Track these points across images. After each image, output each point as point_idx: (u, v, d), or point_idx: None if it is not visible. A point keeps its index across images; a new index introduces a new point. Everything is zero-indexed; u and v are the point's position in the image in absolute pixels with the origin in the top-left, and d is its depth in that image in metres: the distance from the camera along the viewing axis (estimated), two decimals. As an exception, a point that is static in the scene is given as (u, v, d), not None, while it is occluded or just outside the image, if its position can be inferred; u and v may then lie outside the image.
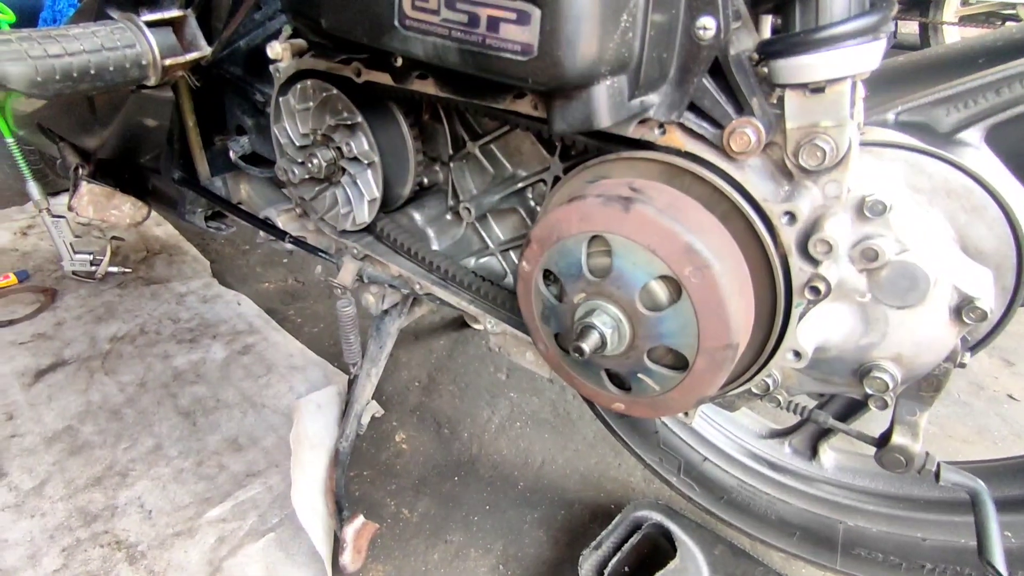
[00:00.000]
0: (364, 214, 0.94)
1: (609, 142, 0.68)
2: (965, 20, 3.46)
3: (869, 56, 0.52)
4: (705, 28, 0.55)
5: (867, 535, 0.91)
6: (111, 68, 0.91)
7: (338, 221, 0.98)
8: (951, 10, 3.39)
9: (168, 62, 0.97)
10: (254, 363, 1.54)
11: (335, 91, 0.86)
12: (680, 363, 0.63)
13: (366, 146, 0.88)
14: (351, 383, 1.21)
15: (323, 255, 1.07)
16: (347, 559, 1.05)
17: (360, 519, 1.08)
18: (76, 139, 1.38)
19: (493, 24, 0.56)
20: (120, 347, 1.57)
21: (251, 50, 1.11)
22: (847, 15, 0.54)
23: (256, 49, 1.10)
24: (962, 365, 0.63)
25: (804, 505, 0.97)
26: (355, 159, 0.90)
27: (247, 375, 1.50)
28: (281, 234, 1.11)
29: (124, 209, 1.38)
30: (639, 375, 0.65)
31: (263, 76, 1.11)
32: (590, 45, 0.53)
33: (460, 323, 1.72)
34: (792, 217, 0.58)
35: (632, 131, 0.63)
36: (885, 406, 0.66)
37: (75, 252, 1.74)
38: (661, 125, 0.62)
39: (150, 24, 0.95)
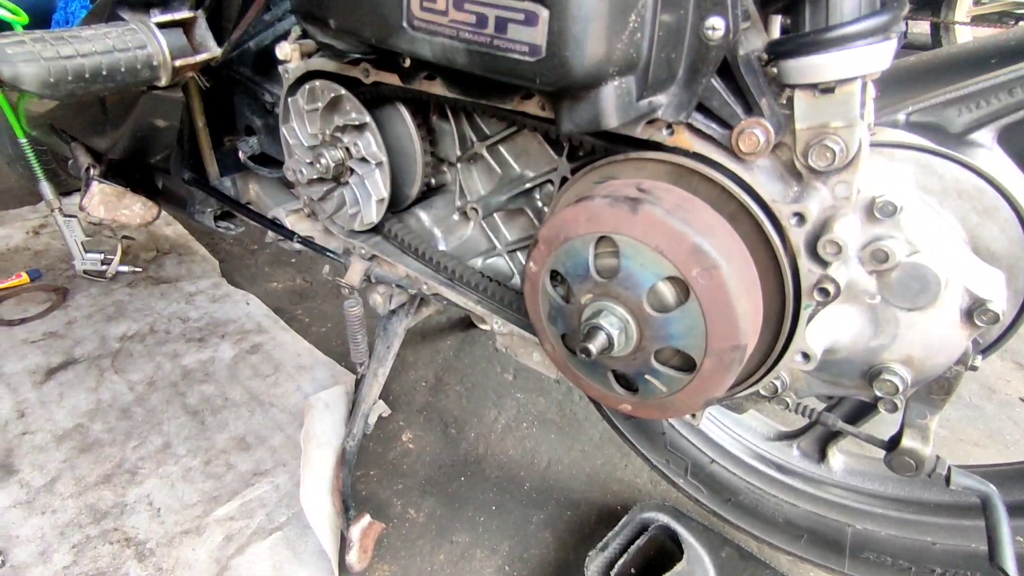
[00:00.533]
0: (372, 214, 0.94)
1: (617, 143, 0.68)
2: (977, 20, 3.43)
3: (880, 56, 0.51)
4: (714, 28, 0.54)
5: (876, 539, 0.90)
6: (122, 69, 0.92)
7: (346, 221, 0.98)
8: (963, 10, 3.36)
9: (179, 63, 0.97)
10: (262, 362, 1.55)
11: (344, 92, 0.86)
12: (687, 364, 0.62)
13: (374, 146, 0.89)
14: (358, 383, 1.22)
15: (331, 255, 1.08)
16: (353, 558, 1.06)
17: (367, 518, 1.09)
18: (88, 139, 1.39)
19: (501, 25, 0.56)
20: (130, 346, 1.58)
21: (260, 51, 1.12)
22: (858, 15, 0.53)
23: (265, 50, 1.11)
24: (973, 368, 0.63)
25: (812, 508, 0.96)
26: (363, 159, 0.90)
27: (255, 374, 1.51)
28: (289, 234, 1.11)
29: (134, 209, 1.39)
30: (646, 376, 0.65)
31: (272, 77, 1.11)
32: (598, 45, 0.53)
33: (467, 323, 1.72)
34: (801, 218, 0.58)
35: (640, 132, 0.63)
36: (895, 409, 0.65)
37: (86, 251, 1.76)
38: (669, 126, 0.62)
39: (161, 25, 0.96)
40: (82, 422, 1.35)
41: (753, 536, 1.00)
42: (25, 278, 1.79)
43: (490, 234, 0.94)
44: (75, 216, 1.69)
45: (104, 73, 0.90)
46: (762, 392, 0.71)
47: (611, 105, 0.57)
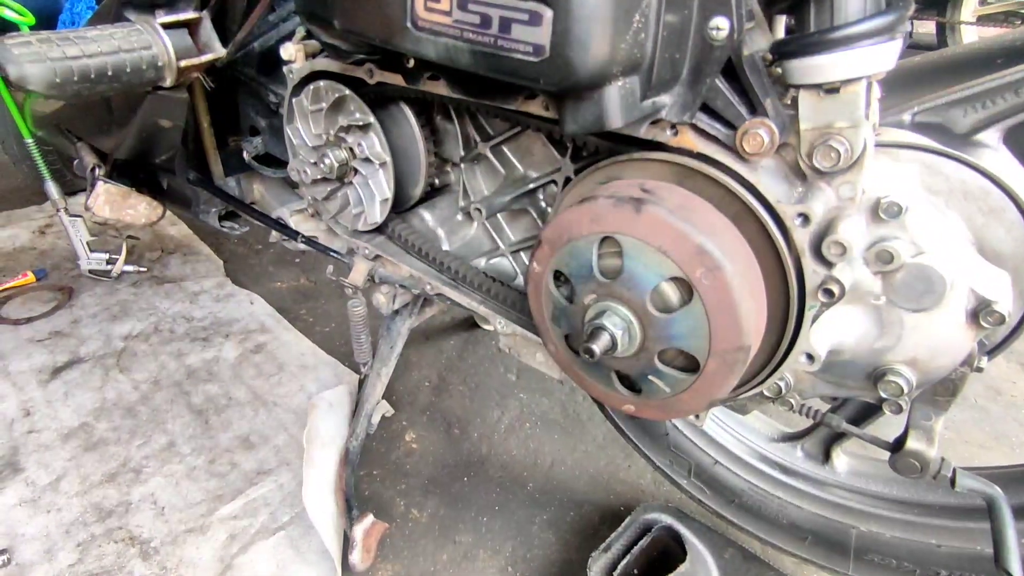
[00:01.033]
0: (376, 214, 0.94)
1: (621, 143, 0.68)
2: (983, 19, 3.41)
3: (885, 56, 0.51)
4: (718, 28, 0.54)
5: (880, 541, 0.90)
6: (128, 69, 0.92)
7: (350, 221, 0.98)
8: (969, 9, 3.34)
9: (183, 63, 0.98)
10: (266, 362, 1.55)
11: (348, 92, 0.87)
12: (691, 365, 0.62)
13: (378, 147, 0.89)
14: (362, 382, 1.22)
15: (335, 255, 1.08)
16: (357, 558, 1.06)
17: (370, 518, 1.09)
18: (93, 139, 1.40)
19: (505, 25, 0.56)
20: (135, 345, 1.59)
21: (265, 52, 1.12)
22: (863, 15, 0.53)
23: (270, 51, 1.11)
24: (979, 369, 0.62)
25: (816, 509, 0.96)
26: (367, 160, 0.90)
27: (259, 374, 1.51)
28: (293, 234, 1.12)
29: (139, 209, 1.40)
30: (650, 377, 0.65)
31: (276, 77, 1.12)
32: (602, 46, 0.53)
33: (470, 323, 1.72)
34: (805, 219, 0.58)
35: (644, 132, 0.63)
36: (900, 410, 0.65)
37: (91, 251, 1.77)
38: (673, 126, 0.61)
39: (166, 26, 0.96)
40: (87, 421, 1.36)
41: (757, 537, 1.00)
42: (31, 277, 1.80)
43: (493, 234, 0.94)
44: (80, 216, 1.70)
45: (109, 73, 0.90)
46: (766, 393, 0.71)
47: (615, 105, 0.57)
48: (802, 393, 0.70)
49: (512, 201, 0.88)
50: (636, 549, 1.01)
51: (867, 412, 0.87)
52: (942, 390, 0.65)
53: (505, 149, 0.87)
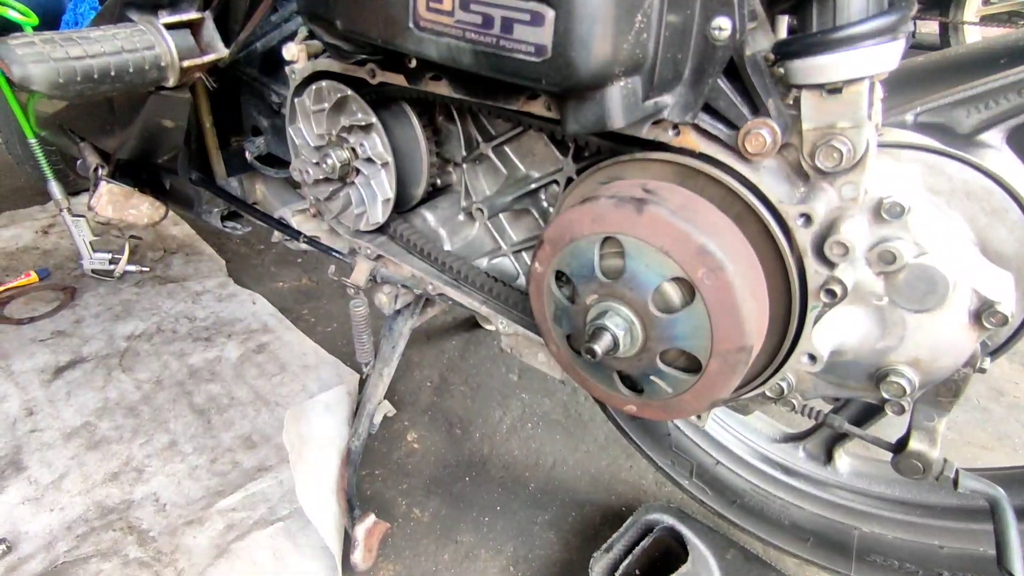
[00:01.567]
0: (378, 214, 0.94)
1: (622, 143, 0.68)
2: (986, 20, 3.40)
3: (887, 56, 0.51)
4: (720, 28, 0.54)
5: (883, 541, 0.90)
6: (131, 70, 0.92)
7: (352, 221, 0.98)
8: (972, 9, 3.34)
9: (186, 64, 0.98)
10: (268, 362, 1.55)
11: (350, 92, 0.87)
12: (693, 366, 0.62)
13: (380, 147, 0.89)
14: (363, 382, 1.22)
15: (337, 255, 1.08)
16: (358, 557, 1.06)
17: (371, 518, 1.09)
18: (96, 140, 1.40)
19: (507, 25, 0.56)
20: (137, 345, 1.59)
21: (267, 52, 1.12)
22: (865, 15, 0.53)
23: (272, 51, 1.11)
24: (982, 370, 0.62)
25: (818, 510, 0.96)
26: (369, 160, 0.90)
27: (261, 373, 1.51)
28: (296, 234, 1.12)
29: (142, 209, 1.40)
30: (651, 377, 0.65)
31: (279, 77, 1.12)
32: (604, 46, 0.53)
33: (472, 324, 1.72)
34: (808, 219, 0.58)
35: (646, 132, 0.63)
36: (902, 411, 0.65)
37: (94, 251, 1.77)
38: (675, 126, 0.61)
39: (169, 26, 0.97)
40: (90, 420, 1.36)
41: (759, 538, 1.00)
42: (34, 277, 1.80)
43: (495, 234, 0.94)
44: (83, 216, 1.70)
45: (112, 74, 0.90)
46: (768, 393, 0.70)
47: (617, 106, 0.57)
48: (804, 394, 0.70)
49: (514, 201, 0.88)
50: (638, 550, 1.01)
51: (869, 413, 0.87)
52: (944, 391, 0.65)
53: (507, 149, 0.87)
